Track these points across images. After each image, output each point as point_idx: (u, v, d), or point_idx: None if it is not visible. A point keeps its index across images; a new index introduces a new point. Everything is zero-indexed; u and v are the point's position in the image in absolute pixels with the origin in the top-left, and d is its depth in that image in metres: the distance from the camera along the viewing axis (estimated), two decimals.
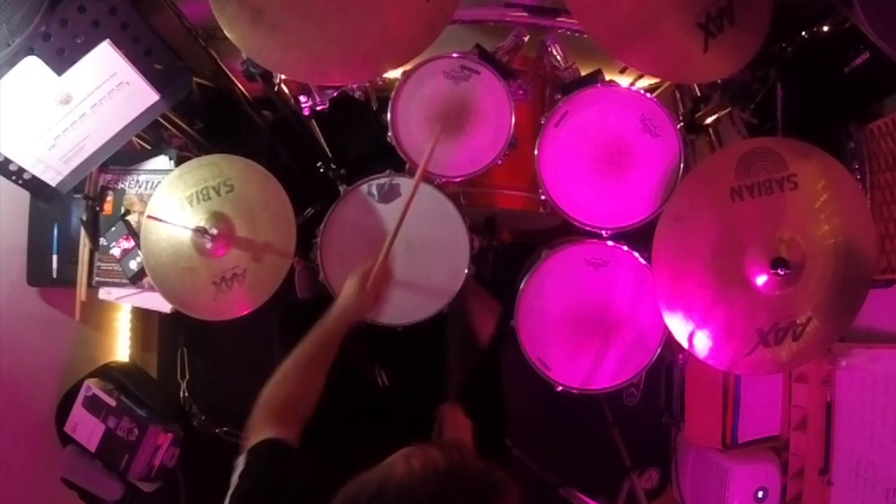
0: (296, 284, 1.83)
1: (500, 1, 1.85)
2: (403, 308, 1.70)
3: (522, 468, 2.07)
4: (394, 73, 1.63)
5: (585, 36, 1.72)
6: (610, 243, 1.69)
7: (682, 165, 1.64)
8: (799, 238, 1.51)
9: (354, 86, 1.75)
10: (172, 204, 1.72)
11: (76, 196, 1.90)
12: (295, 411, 1.18)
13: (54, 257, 1.94)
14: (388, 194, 1.71)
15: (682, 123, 1.86)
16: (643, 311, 1.71)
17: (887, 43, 1.29)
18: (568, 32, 1.79)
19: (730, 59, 1.50)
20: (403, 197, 1.65)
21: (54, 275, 1.94)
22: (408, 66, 1.62)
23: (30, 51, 1.50)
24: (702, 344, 1.54)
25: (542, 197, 1.68)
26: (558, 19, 1.79)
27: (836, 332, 1.58)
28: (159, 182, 1.79)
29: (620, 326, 1.73)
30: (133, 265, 1.86)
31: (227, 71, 1.91)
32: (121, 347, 2.26)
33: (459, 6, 1.46)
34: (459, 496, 0.74)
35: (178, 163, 1.86)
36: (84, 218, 1.89)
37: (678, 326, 1.55)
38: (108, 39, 1.56)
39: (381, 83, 1.86)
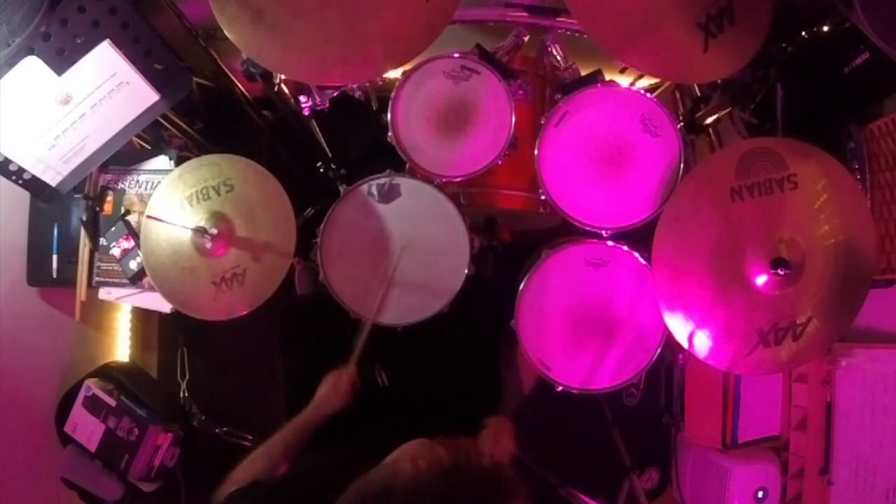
0: (296, 284, 1.83)
1: (500, 1, 1.85)
2: (403, 308, 1.71)
3: (522, 468, 2.07)
4: (394, 73, 1.63)
5: (585, 36, 1.72)
6: (610, 243, 1.69)
7: (682, 165, 1.64)
8: (799, 238, 1.50)
9: (354, 86, 1.74)
10: (172, 204, 1.72)
11: (76, 196, 1.90)
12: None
13: (54, 257, 1.94)
14: (388, 194, 1.71)
15: (682, 123, 1.86)
16: (643, 311, 1.71)
17: (887, 43, 1.29)
18: (568, 32, 1.79)
19: (730, 59, 1.50)
20: (364, 329, 1.68)
21: (54, 275, 1.94)
22: (408, 66, 1.62)
23: (30, 51, 1.50)
24: (702, 344, 1.54)
25: (542, 197, 1.68)
26: (558, 19, 1.79)
27: (836, 332, 1.58)
28: (159, 182, 1.79)
29: (620, 326, 1.72)
30: (133, 265, 1.86)
31: (227, 71, 1.91)
32: (121, 347, 2.26)
33: (459, 6, 1.46)
34: (465, 496, 0.74)
35: (178, 163, 1.86)
36: (84, 218, 1.89)
37: (678, 326, 1.55)
38: (108, 39, 1.56)
39: (381, 83, 1.86)
